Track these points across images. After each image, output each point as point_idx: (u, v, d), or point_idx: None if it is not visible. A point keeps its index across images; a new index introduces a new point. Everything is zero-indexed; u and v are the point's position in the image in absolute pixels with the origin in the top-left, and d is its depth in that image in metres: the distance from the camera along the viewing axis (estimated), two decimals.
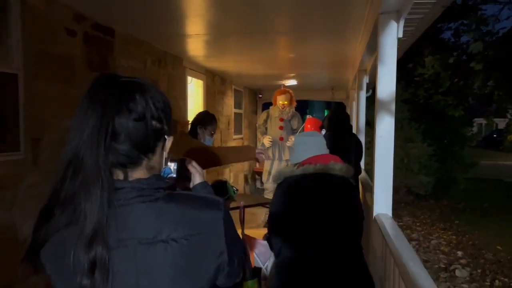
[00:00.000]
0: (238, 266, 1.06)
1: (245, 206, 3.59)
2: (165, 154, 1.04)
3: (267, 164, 6.41)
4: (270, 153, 6.36)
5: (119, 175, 0.94)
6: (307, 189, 2.16)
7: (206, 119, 3.12)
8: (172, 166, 1.28)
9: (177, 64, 4.94)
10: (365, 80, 4.70)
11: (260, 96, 9.56)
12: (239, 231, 3.61)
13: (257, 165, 8.44)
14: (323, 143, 2.38)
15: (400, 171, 7.36)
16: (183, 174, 1.31)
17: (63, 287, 0.91)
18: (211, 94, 6.38)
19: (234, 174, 7.72)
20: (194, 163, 1.33)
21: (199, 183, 1.33)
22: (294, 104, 6.55)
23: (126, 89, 0.95)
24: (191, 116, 5.75)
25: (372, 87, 7.37)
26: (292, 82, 7.73)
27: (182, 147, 2.77)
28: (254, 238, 3.28)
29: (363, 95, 4.77)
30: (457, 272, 4.50)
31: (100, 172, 0.87)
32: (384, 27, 2.35)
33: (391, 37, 2.36)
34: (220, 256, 0.98)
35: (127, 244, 0.90)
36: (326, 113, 13.98)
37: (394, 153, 7.49)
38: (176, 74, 4.93)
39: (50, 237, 0.91)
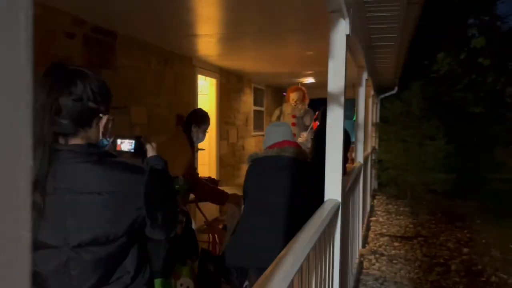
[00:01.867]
0: (164, 222, 1.33)
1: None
2: (101, 128, 1.31)
3: None
4: None
5: (61, 140, 1.23)
6: (262, 167, 2.71)
7: (201, 118, 3.31)
8: (133, 143, 1.55)
9: (185, 63, 5.25)
10: (364, 76, 4.78)
11: (285, 94, 9.74)
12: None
13: None
14: (287, 132, 2.94)
15: (416, 168, 7.30)
16: (141, 149, 1.56)
17: None
18: (226, 92, 6.65)
19: None
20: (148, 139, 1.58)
21: (152, 156, 1.53)
22: (307, 101, 6.69)
23: (70, 76, 1.23)
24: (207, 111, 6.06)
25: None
26: (310, 80, 7.86)
27: (173, 147, 3.07)
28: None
29: (362, 91, 4.86)
30: (453, 267, 4.51)
31: (43, 138, 1.15)
32: (333, 25, 2.50)
33: (340, 35, 2.51)
34: (137, 210, 1.25)
35: (60, 192, 1.19)
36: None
37: (411, 150, 7.43)
38: (185, 73, 5.23)
39: None
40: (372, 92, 7.01)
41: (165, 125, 4.76)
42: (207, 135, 6.50)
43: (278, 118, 6.71)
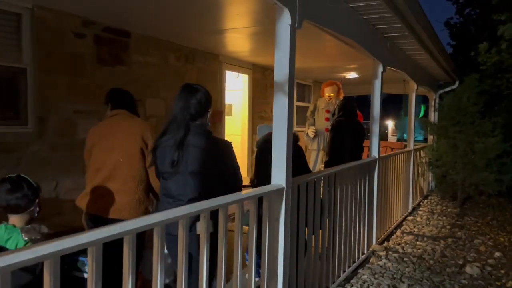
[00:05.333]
0: (238, 175, 2.55)
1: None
2: (208, 116, 2.48)
3: (313, 155, 6.62)
4: (315, 144, 6.58)
5: (191, 122, 2.36)
6: (262, 146, 3.51)
7: (128, 95, 3.02)
8: None
9: (210, 60, 5.53)
10: (380, 68, 4.66)
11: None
12: None
13: None
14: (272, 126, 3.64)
15: (465, 167, 6.85)
16: None
17: (161, 164, 2.39)
18: (261, 88, 6.83)
19: None
20: None
21: None
22: (342, 96, 6.64)
23: (193, 90, 2.43)
24: (241, 106, 6.31)
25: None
26: (354, 74, 7.72)
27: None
28: None
29: (377, 84, 4.73)
30: (467, 269, 4.22)
31: (183, 122, 2.34)
32: (277, 16, 2.59)
33: (285, 25, 2.59)
34: (217, 161, 2.41)
35: (189, 146, 2.32)
36: (423, 108, 13.20)
37: (459, 148, 6.93)
38: (209, 69, 5.52)
39: (160, 144, 2.40)
40: (415, 87, 6.71)
41: None
42: (239, 129, 6.77)
43: (312, 113, 6.74)
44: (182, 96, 2.41)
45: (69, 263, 2.90)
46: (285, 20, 2.57)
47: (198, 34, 4.65)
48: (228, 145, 2.51)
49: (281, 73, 2.64)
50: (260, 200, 2.50)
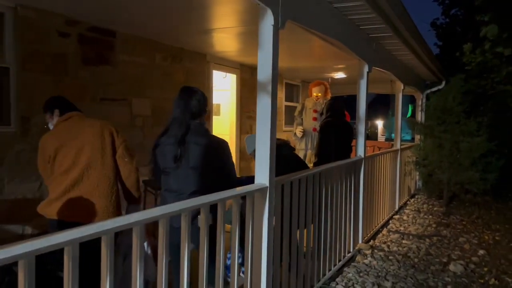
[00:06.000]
0: (233, 171, 2.71)
1: None
2: (205, 116, 2.65)
3: (300, 154, 6.64)
4: (303, 143, 6.60)
5: (191, 121, 2.53)
6: None
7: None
8: None
9: (197, 60, 5.53)
10: (366, 68, 4.69)
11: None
12: None
13: None
14: None
15: (450, 166, 6.92)
16: None
17: (162, 160, 2.58)
18: (249, 87, 6.84)
19: None
20: None
21: None
22: (329, 95, 6.67)
23: (192, 92, 2.62)
24: (229, 106, 6.30)
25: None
26: (341, 75, 7.77)
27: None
28: None
29: (363, 83, 4.76)
30: (451, 267, 4.28)
31: (183, 121, 2.52)
32: (260, 16, 2.60)
33: (267, 25, 2.60)
34: (214, 157, 2.56)
35: (190, 143, 2.50)
36: (410, 108, 13.27)
37: (444, 147, 7.00)
38: (197, 69, 5.51)
39: (160, 143, 2.59)
40: (401, 87, 6.77)
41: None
42: (227, 129, 6.77)
43: (300, 112, 6.76)
44: (183, 97, 2.59)
45: (53, 263, 2.88)
46: (268, 21, 2.59)
47: (185, 34, 4.65)
48: (225, 143, 2.68)
49: (264, 73, 2.66)
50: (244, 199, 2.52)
